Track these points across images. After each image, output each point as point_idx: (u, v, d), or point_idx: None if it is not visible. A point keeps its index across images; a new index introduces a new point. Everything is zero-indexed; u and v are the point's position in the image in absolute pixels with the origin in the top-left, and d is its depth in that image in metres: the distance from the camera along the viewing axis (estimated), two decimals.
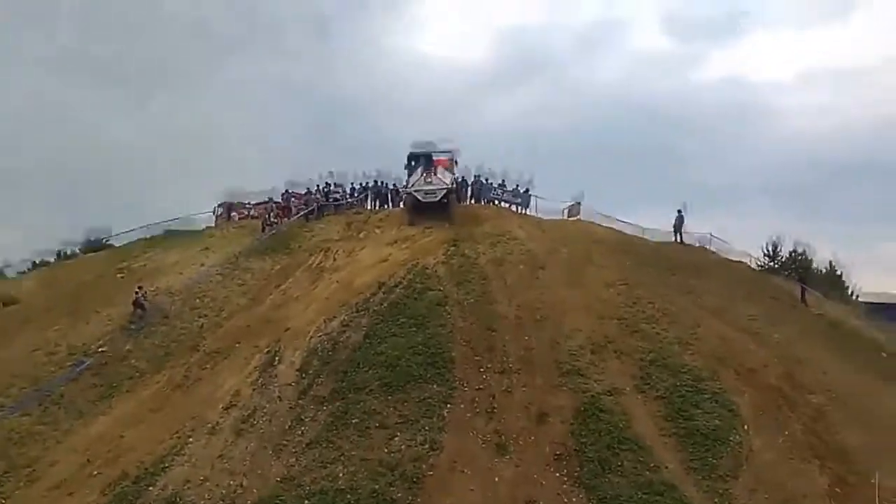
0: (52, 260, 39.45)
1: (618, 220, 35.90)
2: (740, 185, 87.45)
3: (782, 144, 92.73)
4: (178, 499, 19.23)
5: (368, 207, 38.74)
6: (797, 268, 36.11)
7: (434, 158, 34.83)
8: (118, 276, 31.99)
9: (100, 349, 26.39)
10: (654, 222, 35.98)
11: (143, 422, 22.51)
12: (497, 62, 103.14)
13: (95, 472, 20.59)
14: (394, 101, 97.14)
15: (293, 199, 38.83)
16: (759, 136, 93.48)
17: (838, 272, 39.87)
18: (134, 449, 21.19)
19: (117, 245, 37.73)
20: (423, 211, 33.34)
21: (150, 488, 19.63)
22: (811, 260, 38.56)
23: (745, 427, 20.86)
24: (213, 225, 38.66)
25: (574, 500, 18.90)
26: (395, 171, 38.14)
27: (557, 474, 19.56)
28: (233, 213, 39.30)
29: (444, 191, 33.36)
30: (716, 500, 18.77)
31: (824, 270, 39.41)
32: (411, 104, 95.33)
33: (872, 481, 18.95)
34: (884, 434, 20.85)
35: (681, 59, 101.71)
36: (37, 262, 39.30)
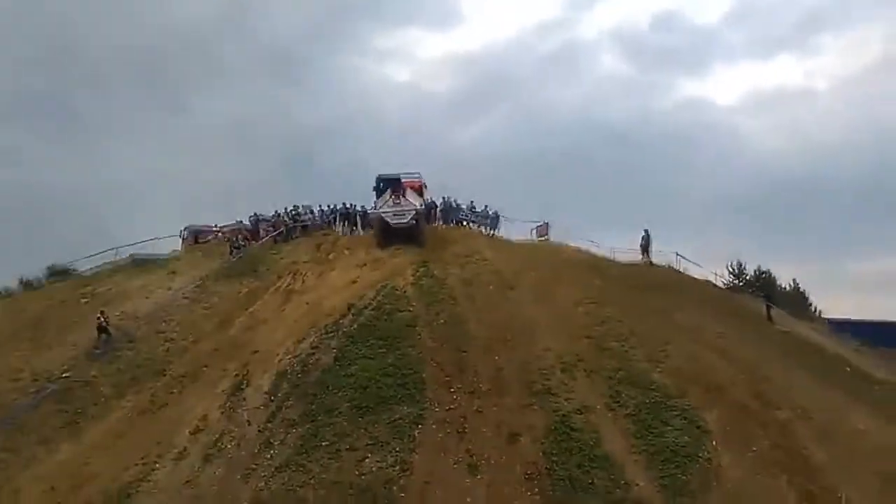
0: (14, 287, 38.63)
1: (586, 240, 36.27)
2: (704, 204, 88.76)
3: (741, 165, 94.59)
4: None
5: (337, 230, 38.68)
6: (762, 286, 36.69)
7: (403, 181, 34.95)
8: (82, 301, 31.44)
9: (64, 375, 25.82)
10: (621, 243, 36.42)
11: (109, 448, 22.05)
12: (463, 88, 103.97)
13: (59, 501, 20.09)
14: (361, 133, 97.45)
15: (261, 222, 38.64)
16: (718, 157, 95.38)
17: (802, 290, 40.64)
18: (99, 476, 20.73)
19: (82, 271, 37.12)
20: (393, 234, 33.24)
21: None
22: (775, 278, 39.30)
23: (714, 443, 20.99)
24: (179, 249, 38.29)
25: None
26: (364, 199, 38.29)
27: (529, 493, 19.51)
28: (199, 238, 38.98)
29: (414, 213, 33.31)
30: None
31: (788, 289, 40.13)
32: (379, 134, 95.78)
33: (839, 496, 19.19)
34: (849, 449, 21.12)
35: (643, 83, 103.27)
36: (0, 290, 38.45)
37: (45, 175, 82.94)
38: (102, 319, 27.73)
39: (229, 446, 21.29)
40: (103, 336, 27.48)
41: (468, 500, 19.29)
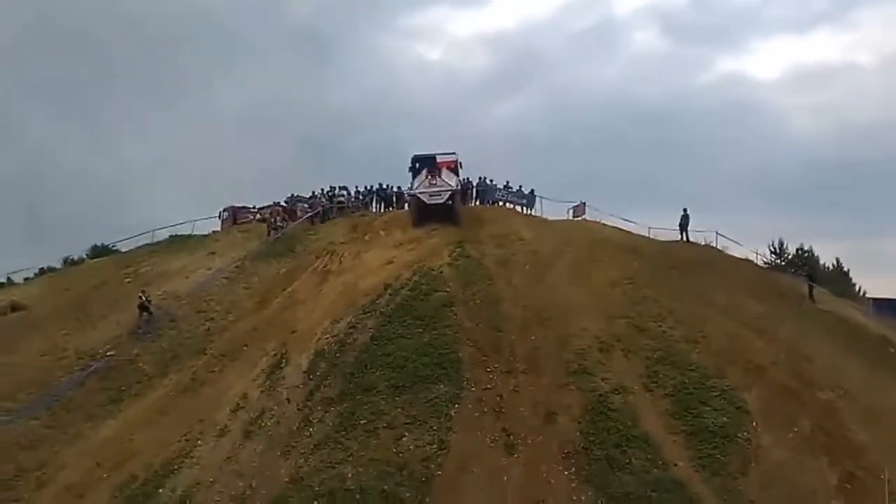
0: (58, 266, 39.55)
1: (623, 219, 35.92)
2: (742, 183, 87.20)
3: (781, 144, 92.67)
4: (187, 501, 19.33)
5: (373, 210, 38.83)
6: (804, 265, 36.06)
7: (438, 161, 34.87)
8: (125, 280, 32.07)
9: (108, 353, 26.45)
10: (659, 222, 35.99)
11: (152, 425, 22.55)
12: (496, 67, 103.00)
13: (105, 475, 20.64)
14: (393, 112, 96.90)
15: (298, 202, 38.92)
16: (757, 136, 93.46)
17: (845, 269, 39.90)
18: (143, 452, 21.25)
19: (123, 251, 37.80)
20: (429, 213, 33.26)
21: (160, 490, 19.70)
22: (818, 257, 38.62)
23: (754, 424, 20.80)
24: (218, 230, 38.76)
25: (583, 498, 18.87)
26: (399, 180, 38.36)
27: (566, 473, 19.54)
28: (237, 219, 39.39)
29: (450, 192, 33.26)
30: (725, 497, 18.71)
31: (831, 268, 39.42)
32: (410, 114, 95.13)
33: (882, 477, 18.88)
34: (892, 429, 20.80)
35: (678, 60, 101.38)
36: (43, 268, 39.41)
37: (71, 155, 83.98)
38: (144, 299, 28.22)
39: (269, 424, 21.61)
40: (145, 315, 27.99)
41: (505, 478, 19.37)
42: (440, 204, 33.05)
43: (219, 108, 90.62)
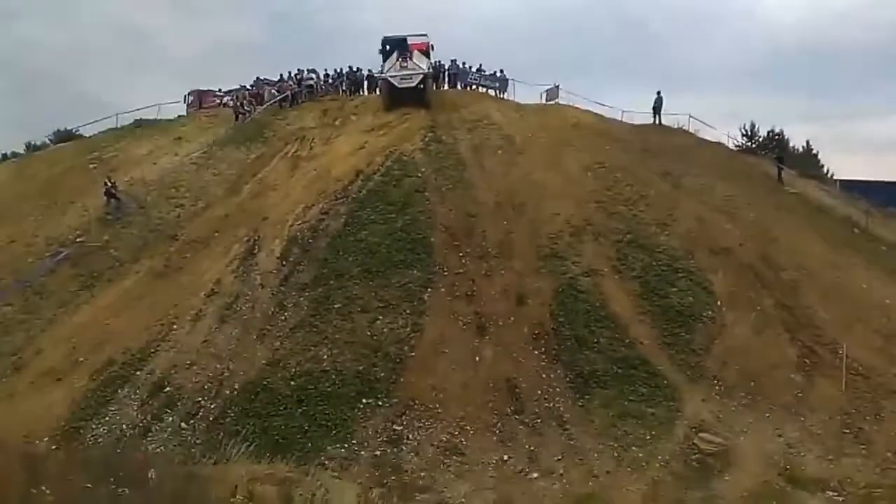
0: (21, 152, 38.61)
1: (597, 103, 35.53)
2: (719, 64, 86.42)
3: (758, 25, 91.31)
4: (165, 383, 19.63)
5: (343, 94, 37.95)
6: (774, 148, 36.24)
7: (409, 43, 33.93)
8: (90, 166, 31.35)
9: (77, 240, 26.21)
10: (633, 105, 35.68)
11: (127, 310, 22.62)
12: None
13: (82, 359, 20.81)
14: None
15: (266, 86, 37.88)
16: (736, 16, 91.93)
17: (814, 151, 40.20)
18: (119, 336, 21.38)
19: (87, 136, 36.84)
20: (400, 97, 32.62)
21: (138, 373, 19.98)
22: (788, 140, 38.80)
23: (719, 304, 21.45)
24: (184, 115, 37.78)
25: (552, 375, 19.57)
26: (370, 63, 37.31)
27: (536, 352, 20.17)
28: (203, 102, 38.35)
29: (421, 76, 32.54)
30: (688, 372, 19.52)
31: (801, 150, 39.67)
32: None
33: (840, 352, 19.69)
34: (853, 307, 21.62)
35: None
36: (6, 154, 38.50)
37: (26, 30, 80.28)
38: (110, 185, 27.75)
39: (244, 309, 21.80)
40: (112, 202, 27.60)
41: (476, 359, 19.93)
42: (411, 87, 32.40)
43: None
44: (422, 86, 32.55)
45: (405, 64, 32.46)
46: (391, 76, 32.73)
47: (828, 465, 17.18)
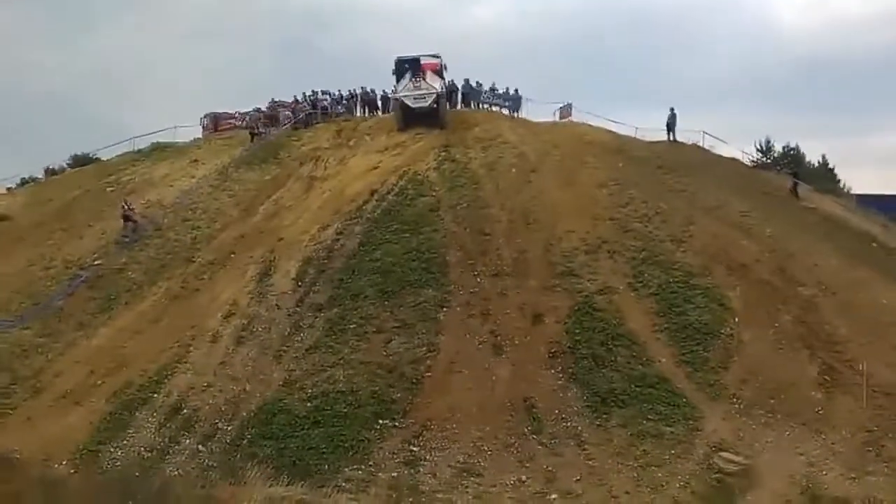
0: (40, 176, 39.07)
1: (610, 120, 35.50)
2: (733, 82, 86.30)
3: (772, 41, 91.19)
4: (182, 405, 19.71)
5: (357, 115, 38.17)
6: (790, 163, 36.06)
7: (422, 63, 34.09)
8: (108, 189, 31.75)
9: (95, 262, 26.46)
10: (646, 122, 35.65)
11: (144, 332, 22.77)
12: None
13: (100, 382, 20.96)
14: (371, 10, 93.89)
15: (280, 108, 38.16)
16: (750, 34, 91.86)
17: (830, 166, 39.98)
18: (136, 359, 21.53)
19: (105, 160, 37.25)
20: (414, 117, 32.70)
21: (155, 395, 20.10)
22: (804, 155, 38.63)
23: (736, 320, 21.21)
24: (200, 137, 38.14)
25: (569, 395, 19.41)
26: (383, 84, 37.54)
27: (552, 371, 20.03)
28: (219, 125, 38.69)
29: (435, 96, 32.58)
30: (707, 390, 19.28)
31: (817, 164, 39.47)
32: (389, 13, 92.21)
33: (860, 369, 19.44)
34: (872, 323, 21.25)
35: None
36: (25, 178, 38.92)
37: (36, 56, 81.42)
38: (127, 207, 28.01)
39: (260, 330, 21.89)
40: (129, 224, 27.86)
41: (493, 378, 19.84)
42: (425, 108, 32.51)
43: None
44: (435, 105, 32.65)
45: (418, 84, 32.54)
46: (404, 96, 32.82)
47: (850, 484, 16.88)
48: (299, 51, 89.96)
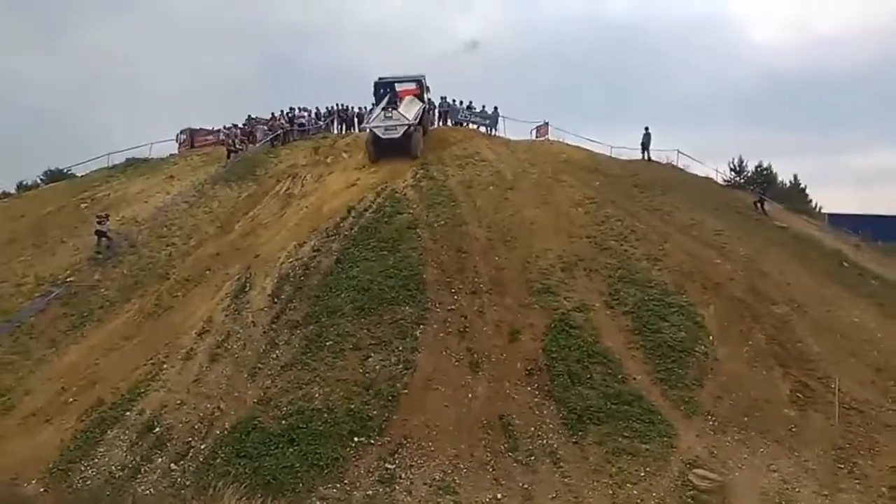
0: (12, 191, 38.65)
1: (586, 139, 35.97)
2: (706, 100, 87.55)
3: (743, 58, 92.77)
4: (155, 423, 19.39)
5: (334, 132, 38.24)
6: (762, 182, 36.61)
7: (399, 90, 34.08)
8: (81, 206, 31.47)
9: (68, 279, 26.12)
10: (621, 140, 36.14)
11: (117, 350, 22.48)
12: None
13: (71, 400, 20.60)
14: (352, 26, 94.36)
15: (257, 124, 38.15)
16: (722, 51, 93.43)
17: (801, 186, 40.63)
18: (109, 376, 21.20)
19: (79, 176, 36.96)
20: (385, 147, 32.36)
21: (128, 413, 19.74)
22: (776, 174, 39.25)
23: (711, 338, 21.41)
24: (176, 153, 37.98)
25: (545, 412, 19.38)
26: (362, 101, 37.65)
27: (529, 389, 20.01)
28: (195, 141, 38.57)
29: (406, 127, 32.09)
30: (682, 407, 19.36)
31: (788, 184, 40.09)
32: (368, 28, 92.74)
33: (832, 386, 19.67)
34: (844, 340, 21.57)
35: None
36: None
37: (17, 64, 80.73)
38: (100, 224, 27.72)
39: (235, 347, 21.68)
40: (103, 241, 27.57)
41: (469, 395, 19.78)
42: (396, 138, 32.03)
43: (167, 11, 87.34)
44: (408, 135, 32.26)
45: (389, 115, 32.15)
46: (375, 127, 32.48)
47: (823, 501, 16.99)
48: (281, 66, 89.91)
